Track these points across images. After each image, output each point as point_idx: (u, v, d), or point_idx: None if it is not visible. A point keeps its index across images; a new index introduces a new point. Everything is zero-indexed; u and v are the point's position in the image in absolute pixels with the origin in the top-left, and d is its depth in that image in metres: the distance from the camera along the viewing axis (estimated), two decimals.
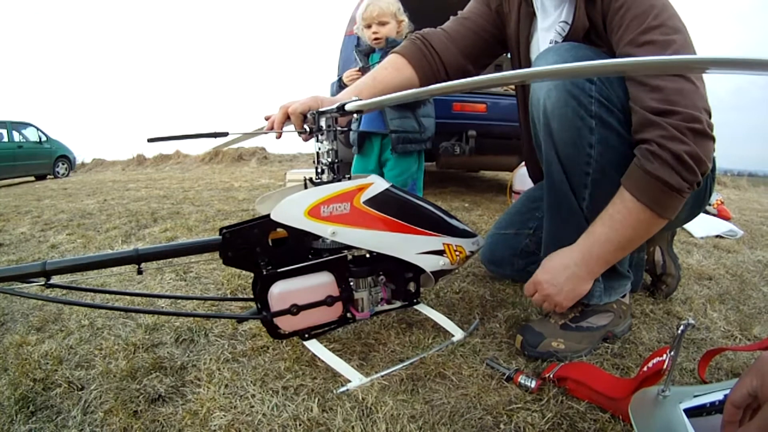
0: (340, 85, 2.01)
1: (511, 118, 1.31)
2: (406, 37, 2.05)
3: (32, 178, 9.64)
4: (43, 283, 0.76)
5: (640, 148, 0.85)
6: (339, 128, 0.93)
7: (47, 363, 0.97)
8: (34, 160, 9.76)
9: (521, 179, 2.62)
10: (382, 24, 1.95)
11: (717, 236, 2.35)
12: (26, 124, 10.08)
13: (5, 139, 9.39)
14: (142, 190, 4.68)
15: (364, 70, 1.93)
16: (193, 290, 1.36)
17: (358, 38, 2.08)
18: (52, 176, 10.05)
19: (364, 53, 2.02)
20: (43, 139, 10.22)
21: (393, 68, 1.17)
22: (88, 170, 11.78)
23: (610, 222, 0.87)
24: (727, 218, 2.78)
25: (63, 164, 10.57)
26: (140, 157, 11.09)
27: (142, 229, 2.38)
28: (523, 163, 1.74)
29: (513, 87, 1.66)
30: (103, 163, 12.23)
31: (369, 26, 1.96)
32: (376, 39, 1.97)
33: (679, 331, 0.68)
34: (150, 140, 0.96)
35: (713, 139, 0.82)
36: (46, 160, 10.09)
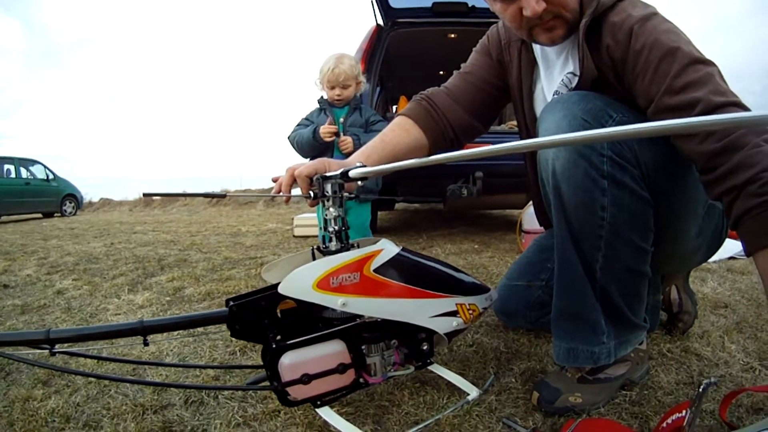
0: (314, 137, 2.08)
1: (518, 156, 1.28)
2: (361, 94, 2.23)
3: (39, 215, 9.74)
4: (47, 349, 0.76)
5: (740, 196, 0.76)
6: (347, 195, 0.92)
7: (54, 421, 0.96)
8: (41, 197, 9.91)
9: (530, 218, 2.59)
10: (345, 87, 2.12)
11: (729, 258, 2.31)
12: (33, 161, 10.26)
13: (12, 175, 9.54)
14: (149, 233, 4.71)
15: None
16: (202, 347, 1.34)
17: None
18: (59, 214, 10.14)
19: (329, 105, 2.21)
20: (50, 177, 10.37)
21: (401, 129, 1.16)
22: (96, 210, 11.91)
23: None
24: (737, 238, 2.72)
25: (70, 203, 10.73)
26: (147, 197, 11.21)
27: (149, 278, 2.38)
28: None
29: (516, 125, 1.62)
30: (111, 203, 12.37)
31: (333, 87, 2.12)
32: (338, 100, 2.15)
33: (701, 389, 0.67)
34: (145, 195, 0.98)
35: None
36: (53, 198, 10.23)
